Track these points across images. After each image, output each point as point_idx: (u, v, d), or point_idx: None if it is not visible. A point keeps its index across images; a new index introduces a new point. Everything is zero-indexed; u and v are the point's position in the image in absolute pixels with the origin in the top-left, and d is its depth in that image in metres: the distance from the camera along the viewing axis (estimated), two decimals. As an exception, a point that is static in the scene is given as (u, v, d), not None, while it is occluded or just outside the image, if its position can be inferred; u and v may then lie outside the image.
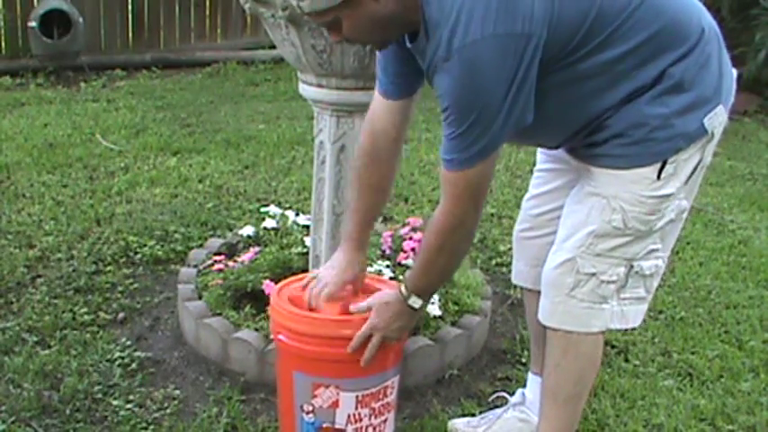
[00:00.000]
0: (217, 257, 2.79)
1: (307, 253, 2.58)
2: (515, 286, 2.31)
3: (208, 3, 7.37)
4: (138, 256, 3.12)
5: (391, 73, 1.81)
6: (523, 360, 2.54)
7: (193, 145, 4.64)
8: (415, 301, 1.78)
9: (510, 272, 2.18)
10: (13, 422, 2.13)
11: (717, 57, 1.66)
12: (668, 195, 1.68)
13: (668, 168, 1.65)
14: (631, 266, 1.75)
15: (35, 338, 2.52)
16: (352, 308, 1.86)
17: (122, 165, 4.22)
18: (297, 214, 2.96)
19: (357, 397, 1.86)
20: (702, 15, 1.66)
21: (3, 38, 6.44)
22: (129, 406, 2.22)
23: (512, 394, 2.25)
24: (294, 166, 4.37)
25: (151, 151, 4.46)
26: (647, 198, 1.67)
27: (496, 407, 2.24)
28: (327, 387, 1.84)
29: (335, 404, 1.86)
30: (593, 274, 1.74)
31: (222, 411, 2.22)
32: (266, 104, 5.82)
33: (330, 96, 2.21)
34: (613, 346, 2.66)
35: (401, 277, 1.84)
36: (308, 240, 2.59)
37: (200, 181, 4.04)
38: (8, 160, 4.14)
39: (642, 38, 1.57)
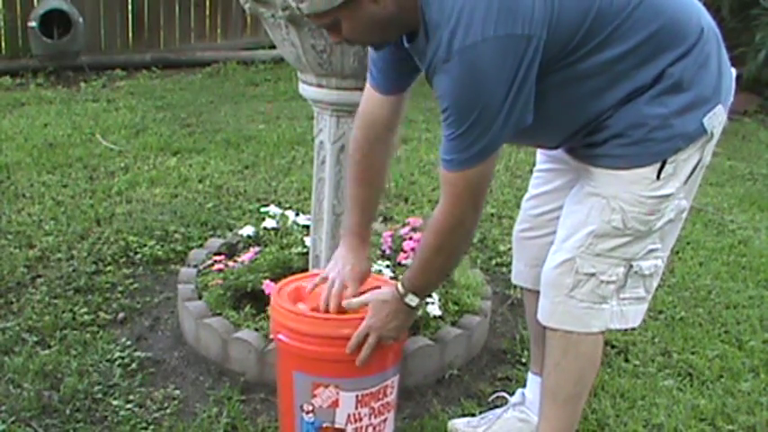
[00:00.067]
0: (217, 257, 2.79)
1: (307, 253, 2.58)
2: (515, 286, 2.31)
3: (208, 3, 7.37)
4: (138, 256, 3.12)
5: (384, 69, 1.81)
6: (523, 360, 2.54)
7: (193, 145, 4.64)
8: (412, 299, 1.78)
9: (510, 272, 2.18)
10: (13, 422, 2.13)
11: (716, 56, 1.66)
12: (668, 195, 1.68)
13: (667, 168, 1.65)
14: (631, 266, 1.75)
15: (35, 338, 2.52)
16: (345, 303, 1.86)
17: (122, 165, 4.22)
18: (297, 214, 2.96)
19: (357, 396, 1.86)
20: (701, 15, 1.66)
21: (3, 38, 6.45)
22: (129, 406, 2.22)
23: (512, 394, 2.25)
24: (294, 166, 4.37)
25: (151, 151, 4.47)
26: (647, 198, 1.67)
27: (496, 407, 2.24)
28: (327, 387, 1.84)
29: (335, 404, 1.86)
30: (593, 275, 1.74)
31: (222, 411, 2.22)
32: (266, 104, 5.81)
33: (330, 96, 2.22)
34: (613, 346, 2.66)
35: (401, 277, 1.84)
36: (308, 240, 2.59)
37: (200, 181, 4.04)
38: (8, 160, 4.14)
39: (641, 37, 1.57)
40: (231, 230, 3.24)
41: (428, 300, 2.46)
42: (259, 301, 2.44)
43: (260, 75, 6.80)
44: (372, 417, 1.91)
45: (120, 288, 2.88)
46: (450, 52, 1.48)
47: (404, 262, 2.61)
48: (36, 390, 2.25)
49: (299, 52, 2.13)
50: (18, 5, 6.38)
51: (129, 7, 6.95)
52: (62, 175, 4.02)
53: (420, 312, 2.42)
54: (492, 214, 3.80)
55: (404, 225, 2.91)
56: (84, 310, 2.70)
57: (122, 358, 2.44)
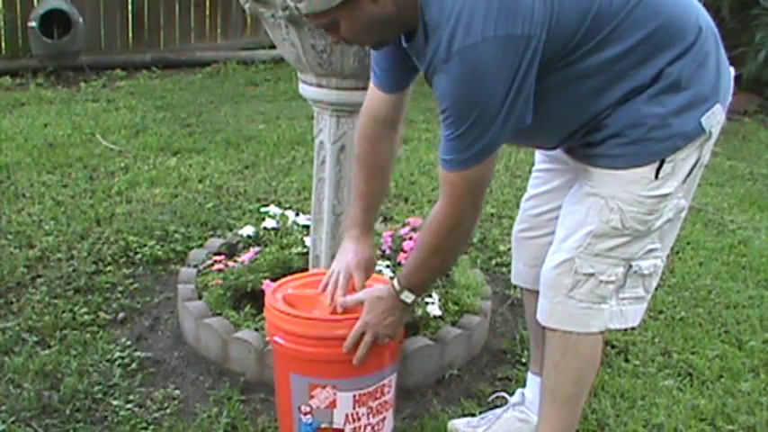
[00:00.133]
0: (217, 257, 2.79)
1: (307, 253, 2.58)
2: (515, 286, 2.32)
3: (208, 3, 7.37)
4: (138, 256, 3.12)
5: (386, 68, 1.82)
6: (523, 360, 2.54)
7: (193, 145, 4.64)
8: (408, 296, 1.78)
9: (510, 272, 2.18)
10: (13, 422, 2.13)
11: (714, 55, 1.66)
12: (666, 195, 1.68)
13: (666, 168, 1.65)
14: (630, 266, 1.75)
15: (35, 338, 2.52)
16: (340, 300, 1.86)
17: (122, 165, 4.22)
18: (297, 214, 2.96)
19: (354, 396, 1.86)
20: (700, 14, 1.66)
21: (3, 38, 6.44)
22: (129, 406, 2.22)
23: (511, 394, 2.25)
24: (294, 166, 4.37)
25: (151, 151, 4.47)
26: (646, 198, 1.67)
27: (496, 407, 2.24)
28: (324, 387, 1.85)
29: (333, 404, 1.86)
30: (592, 275, 1.74)
31: (222, 411, 2.22)
32: (266, 104, 5.82)
33: (330, 96, 2.22)
34: (613, 346, 2.66)
35: (397, 274, 1.84)
36: (308, 240, 2.59)
37: (200, 181, 4.04)
38: (8, 160, 4.14)
39: (640, 36, 1.57)
40: (231, 230, 3.24)
41: (428, 300, 2.46)
42: (259, 301, 2.43)
43: (260, 75, 6.80)
44: (370, 416, 1.91)
45: (120, 288, 2.88)
46: (449, 52, 1.48)
47: (404, 262, 2.61)
48: (36, 390, 2.25)
49: (299, 52, 2.13)
50: (18, 5, 6.38)
51: (129, 7, 6.95)
52: (62, 175, 4.02)
53: (420, 312, 2.42)
54: (492, 214, 3.80)
55: (404, 225, 2.92)
56: (84, 310, 2.70)
57: (122, 358, 2.45)
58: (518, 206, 2.10)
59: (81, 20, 6.24)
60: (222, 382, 2.36)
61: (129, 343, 2.54)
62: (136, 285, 2.91)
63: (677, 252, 3.46)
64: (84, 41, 6.37)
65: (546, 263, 1.80)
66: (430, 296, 2.48)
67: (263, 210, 3.08)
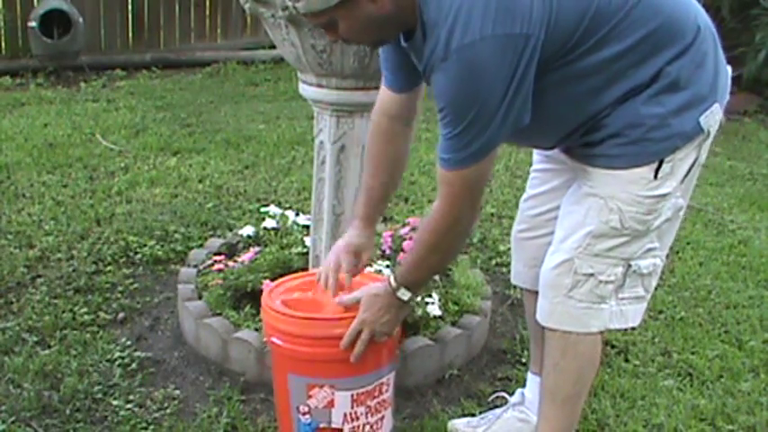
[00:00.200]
0: (217, 257, 2.79)
1: (307, 253, 2.58)
2: (515, 286, 2.32)
3: (208, 3, 7.37)
4: (138, 256, 3.12)
5: (392, 68, 1.83)
6: (523, 360, 2.54)
7: (193, 145, 4.64)
8: (404, 294, 1.77)
9: (510, 272, 2.18)
10: (13, 422, 2.13)
11: (713, 55, 1.66)
12: (665, 195, 1.68)
13: (665, 168, 1.65)
14: (629, 266, 1.75)
15: (35, 338, 2.52)
16: (337, 300, 1.87)
17: (122, 165, 4.22)
18: (297, 214, 2.96)
19: (352, 395, 1.86)
20: (698, 13, 1.66)
21: (3, 38, 6.45)
22: (129, 406, 2.22)
23: (511, 394, 2.25)
24: (294, 166, 4.37)
25: (151, 151, 4.47)
26: (645, 198, 1.67)
27: (496, 407, 2.24)
28: (322, 387, 1.84)
29: (331, 404, 1.86)
30: (592, 275, 1.74)
31: (222, 411, 2.22)
32: (266, 104, 5.82)
33: (330, 96, 2.22)
34: (613, 346, 2.66)
35: (394, 271, 1.84)
36: (308, 240, 2.59)
37: (200, 181, 4.04)
38: (8, 160, 4.14)
39: (639, 36, 1.57)
40: (231, 230, 3.24)
41: (428, 300, 2.46)
42: (259, 301, 2.43)
43: (260, 75, 6.80)
44: (369, 415, 1.91)
45: (120, 288, 2.88)
46: (447, 51, 1.48)
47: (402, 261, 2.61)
48: (36, 390, 2.25)
49: (299, 52, 2.13)
50: (18, 5, 6.38)
51: (129, 7, 6.95)
52: (62, 175, 4.02)
53: (420, 312, 2.42)
54: (492, 214, 3.80)
55: (404, 225, 2.91)
56: (84, 310, 2.70)
57: (122, 358, 2.45)
58: (518, 206, 2.10)
59: (81, 20, 6.24)
60: (222, 382, 2.36)
61: (129, 343, 2.54)
62: (136, 285, 2.91)
63: (677, 252, 3.46)
64: (84, 41, 6.37)
65: (545, 263, 1.80)
66: (430, 296, 2.48)
67: (263, 210, 3.08)
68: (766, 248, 3.59)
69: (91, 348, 2.49)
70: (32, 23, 6.07)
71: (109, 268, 3.02)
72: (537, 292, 1.86)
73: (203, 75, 6.71)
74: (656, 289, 1.87)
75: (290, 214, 2.95)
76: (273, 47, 5.79)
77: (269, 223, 2.86)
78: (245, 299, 2.53)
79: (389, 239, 2.77)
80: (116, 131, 4.81)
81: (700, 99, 1.63)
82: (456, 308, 2.58)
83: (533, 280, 1.94)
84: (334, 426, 1.88)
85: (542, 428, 1.92)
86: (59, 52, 6.18)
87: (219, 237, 3.18)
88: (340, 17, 1.56)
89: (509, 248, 2.25)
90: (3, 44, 6.45)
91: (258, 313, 2.43)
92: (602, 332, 1.82)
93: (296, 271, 2.41)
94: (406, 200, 3.91)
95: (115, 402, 2.23)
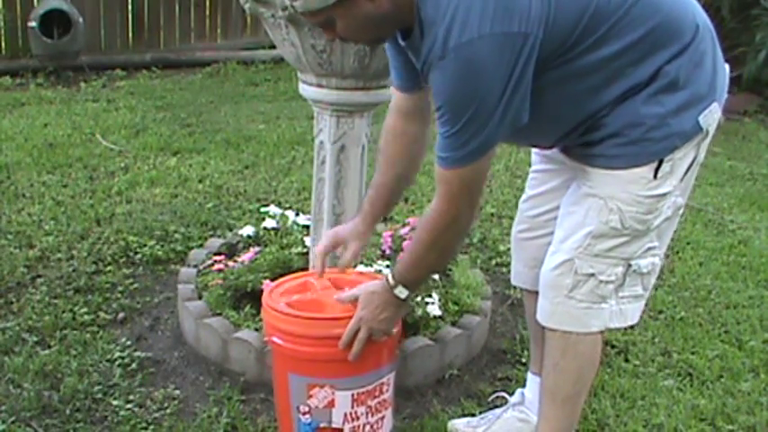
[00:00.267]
0: (217, 257, 2.79)
1: (307, 253, 2.58)
2: (515, 286, 2.32)
3: (208, 3, 7.37)
4: (138, 256, 3.12)
5: (397, 68, 1.83)
6: (523, 360, 2.54)
7: (193, 145, 4.64)
8: (402, 291, 1.77)
9: (510, 272, 2.18)
10: (13, 422, 2.13)
11: (711, 54, 1.66)
12: (665, 194, 1.69)
13: (664, 167, 1.65)
14: (629, 265, 1.75)
15: (35, 338, 2.52)
16: (335, 297, 1.87)
17: (122, 165, 4.22)
18: (297, 214, 2.96)
19: (353, 395, 1.86)
20: (696, 12, 1.66)
21: (3, 38, 6.44)
22: (129, 406, 2.22)
23: (511, 394, 2.25)
24: (294, 166, 4.37)
25: (151, 151, 4.47)
26: (644, 198, 1.67)
27: (496, 407, 2.24)
28: (322, 387, 1.84)
29: (331, 404, 1.86)
30: (592, 275, 1.74)
31: (222, 411, 2.22)
32: (266, 104, 5.82)
33: (330, 96, 2.21)
34: (613, 346, 2.66)
35: (391, 268, 1.84)
36: (308, 240, 2.59)
37: (200, 181, 4.04)
38: (8, 160, 4.14)
39: (638, 35, 1.57)
40: (231, 230, 3.25)
41: (428, 300, 2.46)
42: (259, 301, 2.42)
43: (260, 75, 6.80)
44: (369, 415, 1.91)
45: (120, 288, 2.88)
46: (445, 49, 1.48)
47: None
48: (36, 390, 2.25)
49: (299, 52, 2.13)
50: (18, 5, 6.37)
51: (129, 7, 6.95)
52: (62, 175, 4.02)
53: (420, 312, 2.42)
54: (492, 214, 3.80)
55: (404, 225, 2.92)
56: (84, 310, 2.70)
57: (122, 358, 2.45)
58: (518, 206, 2.10)
59: (81, 20, 6.23)
60: (222, 382, 2.36)
61: (129, 343, 2.54)
62: (136, 285, 2.91)
63: (677, 252, 3.46)
64: (84, 41, 6.37)
65: (545, 264, 1.80)
66: (430, 296, 2.48)
67: (263, 210, 3.08)
68: (766, 248, 3.59)
69: (91, 348, 2.49)
70: (32, 23, 6.06)
71: (109, 268, 3.02)
72: (537, 293, 1.86)
73: (203, 75, 6.71)
74: (656, 289, 1.88)
75: (290, 214, 2.95)
76: (273, 47, 5.79)
77: (269, 223, 2.86)
78: (245, 299, 2.53)
79: (389, 239, 2.77)
80: (116, 131, 4.81)
81: (698, 98, 1.63)
82: (456, 308, 2.58)
83: (534, 280, 1.94)
84: (334, 425, 1.89)
85: (542, 428, 1.93)
86: (59, 52, 6.18)
87: (219, 237, 3.18)
88: (338, 16, 1.56)
89: (509, 248, 2.25)
90: (3, 44, 6.45)
91: (258, 313, 2.43)
92: (602, 332, 1.82)
93: (296, 271, 2.41)
94: (406, 200, 3.91)
95: (115, 402, 2.23)
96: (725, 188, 4.47)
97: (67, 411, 2.19)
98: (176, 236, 3.28)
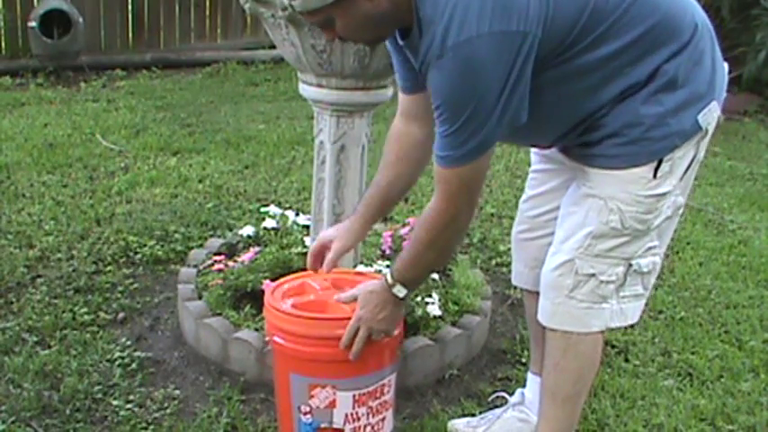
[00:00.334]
0: (217, 257, 2.79)
1: (306, 253, 2.57)
2: (515, 286, 2.32)
3: (208, 3, 7.37)
4: (138, 256, 3.12)
5: (398, 69, 1.83)
6: (523, 360, 2.54)
7: (193, 145, 4.64)
8: (400, 290, 1.77)
9: (510, 272, 2.18)
10: (13, 422, 2.13)
11: (710, 52, 1.66)
12: (665, 193, 1.69)
13: (664, 167, 1.65)
14: (630, 265, 1.75)
15: (35, 338, 2.52)
16: (335, 297, 1.87)
17: (122, 165, 4.22)
18: (297, 214, 2.96)
19: (354, 396, 1.86)
20: (695, 10, 1.66)
21: (3, 38, 6.44)
22: (129, 406, 2.22)
23: (511, 394, 2.25)
24: (294, 166, 4.37)
25: (151, 151, 4.47)
26: (644, 197, 1.67)
27: (496, 407, 2.24)
28: (324, 387, 1.84)
29: (333, 404, 1.86)
30: (593, 275, 1.74)
31: (222, 411, 2.22)
32: (266, 104, 5.82)
33: (330, 96, 2.22)
34: (613, 346, 2.66)
35: (390, 267, 1.84)
36: (308, 240, 2.59)
37: (200, 181, 4.04)
38: (8, 160, 4.14)
39: (637, 33, 1.57)
40: (231, 230, 3.24)
41: (428, 300, 2.46)
42: (259, 301, 2.42)
43: (260, 75, 6.80)
44: (370, 416, 1.91)
45: (120, 288, 2.88)
46: (443, 48, 1.48)
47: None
48: (36, 390, 2.25)
49: (298, 52, 2.13)
50: (18, 5, 6.37)
51: (129, 7, 6.95)
52: (62, 175, 4.02)
53: (420, 312, 2.42)
54: (492, 214, 3.80)
55: (404, 225, 2.92)
56: (84, 310, 2.70)
57: (122, 358, 2.45)
58: (518, 206, 2.10)
59: (81, 20, 6.23)
60: (222, 382, 2.36)
61: (129, 343, 2.54)
62: (136, 285, 2.91)
63: (677, 252, 3.46)
64: (84, 41, 6.37)
65: (546, 264, 1.80)
66: (430, 296, 2.48)
67: (263, 210, 3.08)
68: (766, 248, 3.59)
69: (91, 348, 2.49)
70: (32, 23, 6.06)
71: (109, 268, 3.02)
72: (538, 293, 1.86)
73: (203, 75, 6.71)
74: (655, 289, 1.88)
75: (290, 214, 2.94)
76: (273, 47, 5.79)
77: (269, 223, 2.86)
78: (245, 299, 2.53)
79: (389, 239, 2.77)
80: (116, 131, 4.81)
81: (698, 97, 1.64)
82: (456, 308, 2.58)
83: (534, 281, 1.94)
84: (335, 426, 1.88)
85: (542, 428, 1.93)
86: (59, 52, 6.18)
87: (219, 237, 3.18)
88: (337, 15, 1.56)
89: (509, 248, 2.26)
90: (3, 44, 6.45)
91: (258, 313, 2.44)
92: (602, 332, 1.82)
93: (296, 271, 2.41)
94: (406, 200, 3.91)
95: (115, 402, 2.23)
96: (725, 188, 4.47)
97: (67, 411, 2.19)
98: (176, 236, 3.28)
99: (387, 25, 1.62)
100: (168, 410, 2.22)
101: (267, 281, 2.41)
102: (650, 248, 1.76)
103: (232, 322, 2.44)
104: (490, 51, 1.47)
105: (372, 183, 1.98)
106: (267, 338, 1.96)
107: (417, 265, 1.76)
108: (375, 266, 2.51)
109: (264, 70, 6.94)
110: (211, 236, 3.26)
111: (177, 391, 2.32)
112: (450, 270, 2.73)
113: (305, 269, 2.45)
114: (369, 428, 1.92)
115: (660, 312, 2.94)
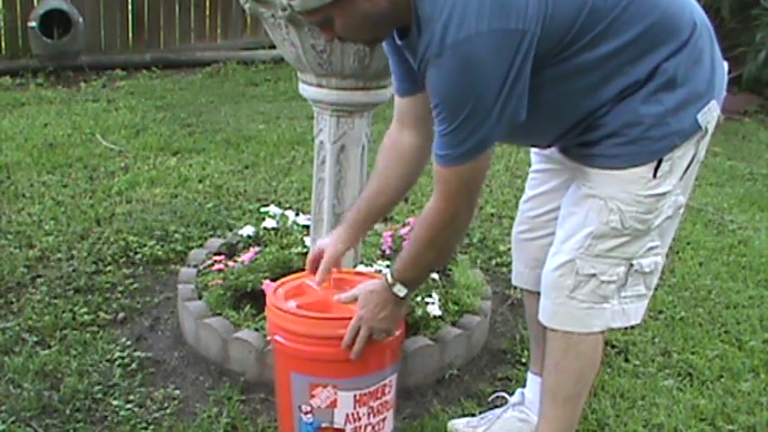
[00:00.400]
0: (217, 257, 2.79)
1: (307, 253, 2.57)
2: (515, 286, 2.32)
3: (208, 3, 7.37)
4: (138, 256, 3.12)
5: (394, 71, 1.82)
6: (523, 360, 2.54)
7: (193, 145, 4.64)
8: (400, 290, 1.77)
9: (510, 272, 2.18)
10: (13, 422, 2.13)
11: (709, 51, 1.66)
12: (665, 193, 1.69)
13: (664, 166, 1.65)
14: (631, 265, 1.75)
15: (35, 338, 2.52)
16: (336, 297, 1.87)
17: (122, 165, 4.22)
18: (297, 214, 2.96)
19: (355, 396, 1.86)
20: (694, 9, 1.66)
21: (3, 38, 6.44)
22: (129, 406, 2.22)
23: (511, 394, 2.25)
24: (294, 166, 4.37)
25: (151, 151, 4.47)
26: (644, 197, 1.67)
27: (496, 407, 2.24)
28: (325, 387, 1.84)
29: (333, 404, 1.86)
30: (593, 275, 1.74)
31: (222, 411, 2.22)
32: (266, 104, 5.82)
33: (330, 96, 2.22)
34: (613, 346, 2.66)
35: (390, 267, 1.84)
36: (308, 240, 2.59)
37: (200, 181, 4.04)
38: (8, 160, 4.14)
39: (636, 32, 1.57)
40: (231, 230, 3.24)
41: (428, 300, 2.46)
42: (259, 301, 2.44)
43: (260, 75, 6.79)
44: (371, 416, 1.91)
45: (120, 288, 2.88)
46: (442, 46, 1.48)
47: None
48: (36, 390, 2.25)
49: (298, 52, 2.13)
50: (18, 5, 6.37)
51: (129, 7, 6.94)
52: (62, 175, 4.02)
53: (420, 312, 2.42)
54: (492, 214, 3.80)
55: (404, 225, 2.92)
56: (84, 310, 2.70)
57: (122, 358, 2.45)
58: (518, 206, 2.10)
59: (81, 20, 6.23)
60: (222, 382, 2.36)
61: (129, 343, 2.54)
62: (136, 285, 2.91)
63: (677, 252, 3.46)
64: (84, 41, 6.37)
65: (547, 264, 1.80)
66: (430, 296, 2.48)
67: (263, 210, 3.08)
68: (766, 248, 3.59)
69: (91, 348, 2.49)
70: (32, 23, 6.06)
71: (109, 268, 3.02)
72: (538, 293, 1.86)
73: (203, 75, 6.71)
74: (656, 289, 1.87)
75: (290, 214, 2.94)
76: (273, 47, 5.79)
77: (269, 223, 2.86)
78: (245, 299, 2.53)
79: (389, 239, 2.77)
80: (116, 131, 4.81)
81: (697, 96, 1.63)
82: (456, 308, 2.58)
83: (535, 281, 1.94)
84: (336, 426, 1.88)
85: (542, 428, 1.93)
86: (59, 52, 6.18)
87: (219, 237, 3.18)
88: (335, 15, 1.56)
89: (509, 248, 2.26)
90: (3, 44, 6.44)
91: (258, 313, 2.44)
92: (603, 332, 1.82)
93: (296, 271, 2.41)
94: (406, 200, 3.91)
95: (115, 402, 2.23)
96: (725, 188, 4.47)
97: (67, 411, 2.19)
98: (176, 236, 3.28)
99: (385, 25, 1.62)
100: (168, 410, 2.22)
101: (267, 281, 2.41)
102: (651, 248, 1.76)
103: (232, 322, 2.44)
104: (489, 49, 1.47)
105: (368, 189, 1.97)
106: (268, 338, 1.96)
107: (417, 264, 1.76)
108: (375, 266, 2.51)
109: (264, 70, 6.94)
110: (211, 236, 3.26)
111: (177, 391, 2.32)
112: (450, 270, 2.73)
113: (305, 269, 2.46)
114: (369, 428, 1.92)
115: (660, 312, 2.94)
